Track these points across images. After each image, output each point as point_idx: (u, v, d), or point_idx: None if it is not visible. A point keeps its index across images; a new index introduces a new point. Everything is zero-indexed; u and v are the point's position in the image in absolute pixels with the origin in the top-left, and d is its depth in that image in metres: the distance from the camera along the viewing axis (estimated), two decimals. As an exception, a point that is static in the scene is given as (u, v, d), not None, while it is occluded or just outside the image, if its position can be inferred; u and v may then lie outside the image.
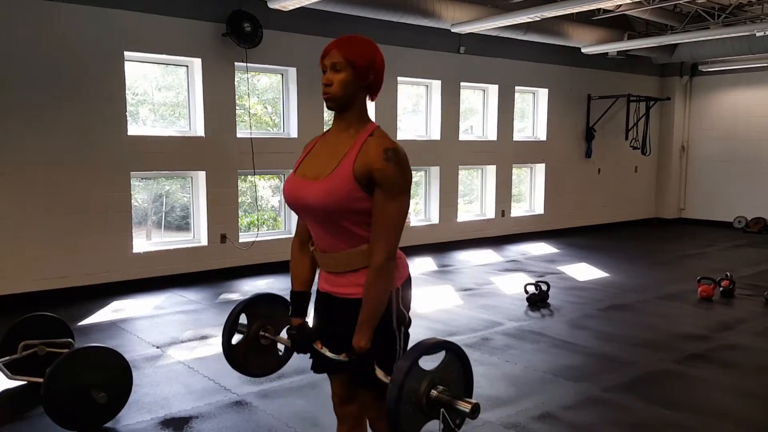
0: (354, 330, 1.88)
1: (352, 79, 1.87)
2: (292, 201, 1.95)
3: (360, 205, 1.84)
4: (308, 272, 2.09)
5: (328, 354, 1.96)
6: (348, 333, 1.91)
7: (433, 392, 1.69)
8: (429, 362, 1.71)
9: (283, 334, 2.20)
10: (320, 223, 1.92)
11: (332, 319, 2.01)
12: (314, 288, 2.12)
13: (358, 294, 1.91)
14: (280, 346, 2.28)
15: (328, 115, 7.83)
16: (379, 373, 1.83)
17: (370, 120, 1.95)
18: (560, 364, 4.21)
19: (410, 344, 1.85)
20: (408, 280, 2.01)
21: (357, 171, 1.82)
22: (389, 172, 1.81)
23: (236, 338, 2.21)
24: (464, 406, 1.67)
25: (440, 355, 1.76)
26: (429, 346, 1.73)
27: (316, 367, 2.09)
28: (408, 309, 2.00)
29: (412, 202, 9.18)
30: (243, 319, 2.23)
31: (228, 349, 2.19)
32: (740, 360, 4.35)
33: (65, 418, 3.10)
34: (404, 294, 1.98)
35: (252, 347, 2.22)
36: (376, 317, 1.87)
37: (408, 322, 2.00)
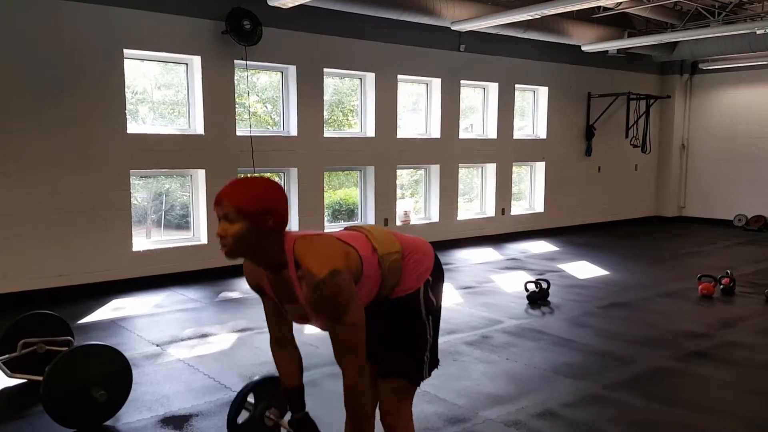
0: (396, 325, 2.02)
1: (247, 230, 1.75)
2: (301, 324, 2.05)
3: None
4: (295, 367, 2.15)
5: None
6: (391, 326, 2.04)
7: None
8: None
9: (286, 421, 2.26)
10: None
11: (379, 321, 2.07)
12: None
13: (401, 292, 2.02)
14: (283, 430, 2.33)
15: (328, 114, 7.82)
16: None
17: (283, 247, 1.83)
18: (561, 361, 4.21)
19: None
20: (437, 269, 2.10)
21: (311, 309, 1.86)
22: (322, 309, 1.81)
23: (242, 418, 2.25)
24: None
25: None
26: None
27: None
28: (439, 297, 2.10)
29: (411, 200, 9.18)
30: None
31: (233, 428, 2.22)
32: (741, 357, 4.35)
33: (65, 416, 3.09)
34: (434, 284, 2.08)
35: (256, 427, 2.26)
36: (365, 426, 2.01)
37: (437, 309, 2.10)
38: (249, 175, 1.90)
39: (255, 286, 2.03)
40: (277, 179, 7.64)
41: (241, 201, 1.74)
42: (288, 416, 2.21)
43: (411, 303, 2.04)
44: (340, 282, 1.77)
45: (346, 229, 2.16)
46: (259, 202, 1.75)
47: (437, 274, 2.11)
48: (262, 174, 7.43)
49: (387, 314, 2.02)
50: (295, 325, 2.14)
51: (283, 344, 2.12)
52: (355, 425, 1.95)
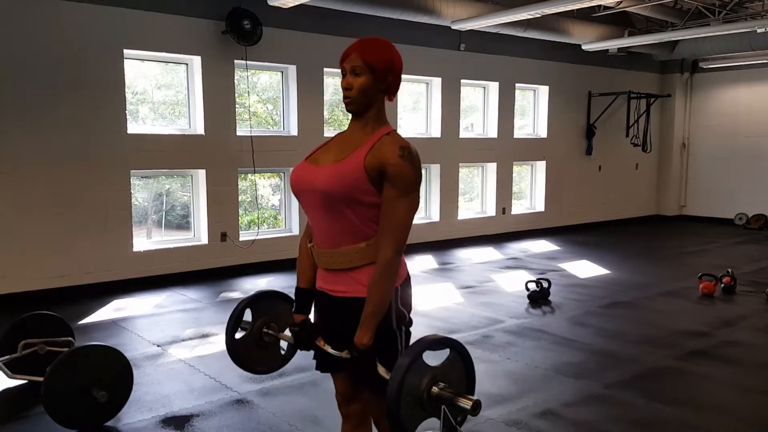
0: (351, 328, 1.87)
1: (371, 83, 1.88)
2: (298, 185, 1.95)
3: (365, 197, 1.84)
4: (314, 271, 2.07)
5: (330, 351, 1.95)
6: (345, 331, 1.90)
7: (435, 389, 1.68)
8: (432, 359, 1.70)
9: (287, 332, 2.19)
10: (322, 212, 1.90)
11: (329, 317, 2.01)
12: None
13: (354, 292, 1.91)
14: (283, 344, 2.27)
15: (328, 114, 7.82)
16: (381, 370, 1.83)
17: (387, 122, 1.96)
18: (561, 361, 4.21)
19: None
20: (407, 280, 2.00)
21: (368, 163, 1.83)
22: (403, 168, 1.82)
23: (239, 335, 2.21)
24: (465, 403, 1.66)
25: (443, 353, 1.75)
26: (431, 343, 1.72)
27: (321, 366, 2.08)
28: (408, 308, 1.99)
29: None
30: (247, 316, 2.22)
31: (231, 345, 2.18)
32: (741, 356, 4.35)
33: (66, 416, 3.09)
34: (403, 293, 1.97)
35: (255, 344, 2.21)
36: (380, 313, 1.86)
37: (408, 322, 1.99)
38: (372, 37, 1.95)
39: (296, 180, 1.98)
40: (277, 180, 7.64)
41: (370, 56, 1.87)
42: (287, 330, 2.17)
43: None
44: (420, 164, 1.89)
45: None
46: (386, 59, 1.89)
47: (405, 284, 2.00)
48: (262, 173, 7.43)
49: (354, 321, 1.88)
50: None
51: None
52: (375, 298, 1.83)
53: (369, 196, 1.84)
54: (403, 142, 1.87)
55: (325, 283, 1.99)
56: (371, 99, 1.90)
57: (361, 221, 1.88)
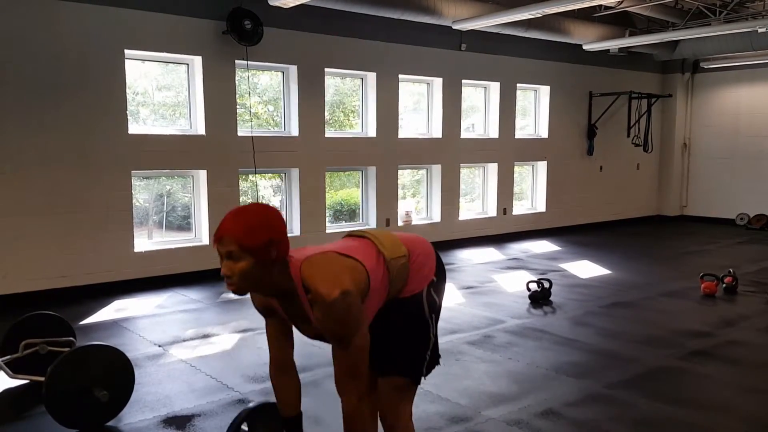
0: (399, 324, 2.02)
1: (253, 265, 1.72)
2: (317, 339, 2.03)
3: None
4: (294, 395, 2.11)
5: None
6: (394, 325, 2.04)
7: None
8: None
9: None
10: None
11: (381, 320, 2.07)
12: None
13: (405, 294, 2.04)
14: None
15: (329, 114, 7.82)
16: None
17: (290, 274, 1.81)
18: (563, 361, 4.20)
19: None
20: (439, 270, 2.12)
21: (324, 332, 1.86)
22: (329, 327, 1.79)
23: None
24: None
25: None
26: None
27: None
28: (441, 296, 2.13)
29: (412, 201, 9.16)
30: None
31: None
32: (743, 356, 4.34)
33: (67, 416, 3.09)
34: (437, 285, 2.10)
35: None
36: None
37: (439, 308, 2.13)
38: (244, 204, 1.82)
39: (263, 309, 2.00)
40: (278, 181, 7.64)
41: (243, 237, 1.70)
42: None
43: (414, 303, 2.05)
44: (350, 302, 1.76)
45: (348, 235, 2.14)
46: (262, 234, 1.71)
47: (440, 274, 2.13)
48: (263, 173, 7.43)
49: (390, 314, 2.02)
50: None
51: (284, 370, 2.07)
52: None
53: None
54: (320, 298, 1.74)
55: None
56: (261, 279, 1.76)
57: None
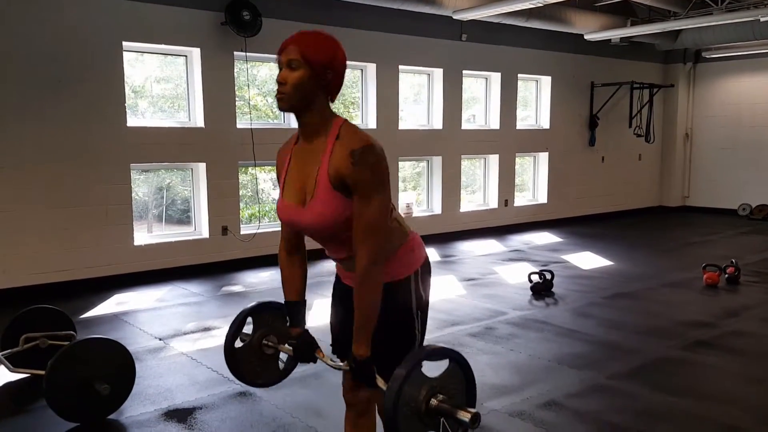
0: (383, 314, 1.85)
1: (307, 79, 1.75)
2: (289, 224, 1.95)
3: (351, 211, 1.80)
4: (300, 281, 2.05)
5: (330, 364, 1.95)
6: (379, 318, 1.90)
7: (433, 401, 1.64)
8: (431, 369, 1.67)
9: (287, 345, 2.15)
10: (325, 239, 1.92)
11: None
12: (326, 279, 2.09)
13: (390, 277, 1.91)
14: (283, 356, 2.21)
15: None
16: (379, 382, 1.80)
17: (334, 117, 1.83)
18: (565, 352, 4.19)
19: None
20: (426, 262, 2.01)
21: (334, 181, 1.77)
22: (358, 175, 1.73)
23: (238, 345, 2.14)
24: (464, 416, 1.62)
25: (443, 363, 1.72)
26: (429, 353, 1.69)
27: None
28: (427, 292, 2.00)
29: (413, 193, 9.12)
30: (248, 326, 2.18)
31: (230, 355, 2.11)
32: (746, 346, 4.32)
33: (68, 410, 3.08)
34: (423, 276, 1.98)
35: (255, 356, 2.14)
36: (371, 324, 1.82)
37: (425, 305, 2.00)
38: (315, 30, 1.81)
39: (279, 171, 2.01)
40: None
41: (309, 49, 1.74)
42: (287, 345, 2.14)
43: (402, 293, 1.95)
44: (381, 155, 1.76)
45: None
46: (326, 54, 1.76)
47: (426, 269, 2.04)
48: (262, 166, 7.40)
49: (385, 300, 1.91)
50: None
51: (293, 252, 2.03)
52: (361, 311, 1.81)
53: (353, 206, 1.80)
54: (354, 142, 1.75)
55: (352, 281, 1.96)
56: (307, 97, 1.77)
57: None
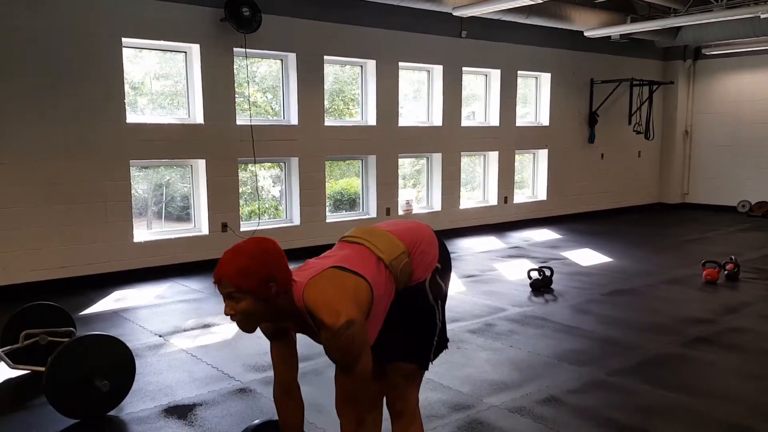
0: (405, 312, 2.02)
1: (254, 304, 1.74)
2: None
3: None
4: (300, 417, 2.09)
5: None
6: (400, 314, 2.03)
7: None
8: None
9: None
10: None
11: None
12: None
13: (409, 284, 2.04)
14: None
15: (328, 103, 7.77)
16: None
17: (292, 296, 1.81)
18: (564, 348, 4.19)
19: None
20: (444, 256, 2.11)
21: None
22: (334, 356, 1.82)
23: None
24: None
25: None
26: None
27: None
28: (447, 283, 2.13)
29: (413, 190, 9.12)
30: None
31: None
32: (745, 343, 4.33)
33: (68, 406, 3.08)
34: (442, 271, 2.09)
35: None
36: None
37: (445, 294, 2.13)
38: (240, 241, 1.80)
39: (269, 333, 1.99)
40: (278, 171, 7.61)
41: (239, 279, 1.70)
42: None
43: (419, 291, 2.04)
44: (354, 332, 1.76)
45: (342, 240, 2.09)
46: (258, 273, 1.71)
47: (444, 260, 2.12)
48: (262, 162, 7.39)
49: (395, 304, 2.01)
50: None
51: (289, 393, 2.06)
52: None
53: None
54: (329, 325, 1.74)
55: None
56: (264, 313, 1.77)
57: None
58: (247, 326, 1.79)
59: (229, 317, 1.77)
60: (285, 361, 2.02)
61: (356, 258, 1.93)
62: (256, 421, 2.20)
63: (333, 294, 1.79)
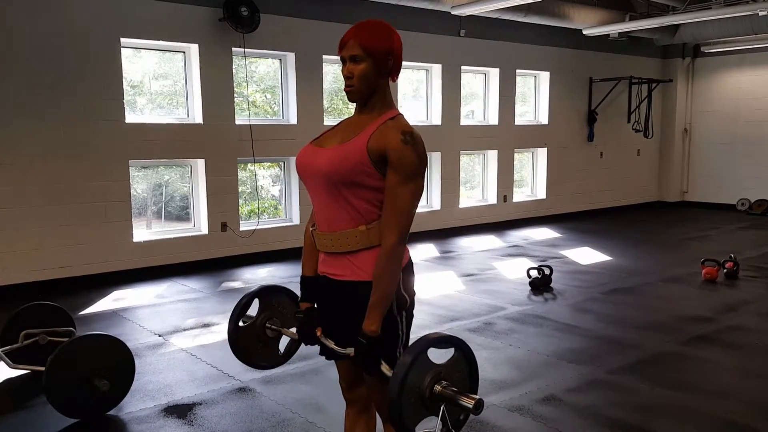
0: (351, 314, 1.87)
1: (372, 69, 1.85)
2: (303, 167, 1.95)
3: (366, 179, 1.82)
4: (318, 256, 2.04)
5: (333, 347, 1.94)
6: (345, 317, 1.90)
7: (437, 387, 1.66)
8: (436, 356, 1.69)
9: (291, 329, 2.17)
10: (324, 195, 1.89)
11: (329, 302, 2.00)
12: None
13: (353, 276, 1.89)
14: (283, 342, 2.24)
15: (327, 102, 7.76)
16: (384, 367, 1.81)
17: (393, 106, 1.93)
18: (564, 347, 4.20)
19: (416, 334, 1.81)
20: (409, 265, 1.97)
21: (371, 147, 1.81)
22: (405, 154, 1.79)
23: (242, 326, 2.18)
24: (467, 402, 1.64)
25: (448, 351, 1.74)
26: (435, 340, 1.70)
27: (326, 354, 2.05)
28: (411, 294, 1.97)
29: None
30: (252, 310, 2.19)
31: (234, 337, 2.14)
32: (745, 341, 4.33)
33: (68, 406, 3.09)
34: (405, 278, 1.94)
35: (258, 338, 2.18)
36: (387, 301, 1.84)
37: (410, 306, 1.97)
38: (368, 19, 1.91)
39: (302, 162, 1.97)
40: (277, 170, 7.61)
41: (368, 41, 1.83)
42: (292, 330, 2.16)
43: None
44: (424, 150, 1.85)
45: None
46: (385, 43, 1.86)
47: (408, 270, 1.98)
48: (261, 162, 7.39)
49: (357, 304, 1.87)
50: None
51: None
52: (380, 286, 1.81)
53: (370, 179, 1.82)
54: (407, 127, 1.83)
55: (326, 267, 1.98)
56: (373, 85, 1.87)
57: (361, 205, 1.85)
58: (358, 89, 1.86)
59: (345, 89, 1.87)
60: None
61: None
62: (255, 287, 2.21)
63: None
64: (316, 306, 2.05)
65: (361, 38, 1.83)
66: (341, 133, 1.93)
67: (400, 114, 1.91)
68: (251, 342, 2.18)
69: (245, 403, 3.37)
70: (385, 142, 1.80)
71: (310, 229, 2.03)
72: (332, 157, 1.84)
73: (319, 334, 1.97)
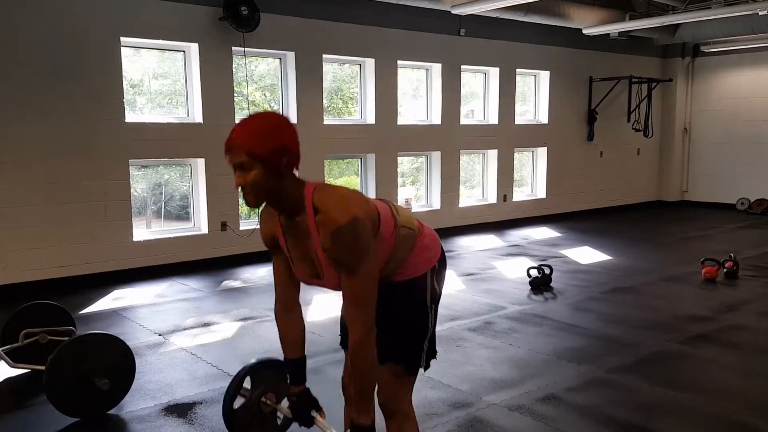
0: (409, 307, 1.99)
1: (264, 175, 1.69)
2: (306, 283, 1.99)
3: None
4: (299, 337, 2.06)
5: (327, 428, 2.00)
6: (399, 310, 2.01)
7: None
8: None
9: (285, 403, 2.16)
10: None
11: (388, 303, 2.02)
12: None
13: (409, 276, 2.00)
14: (280, 415, 2.22)
15: (327, 102, 7.77)
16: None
17: (303, 188, 1.78)
18: (564, 346, 4.20)
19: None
20: (442, 257, 2.08)
21: (329, 260, 1.79)
22: (339, 254, 1.73)
23: (237, 402, 2.15)
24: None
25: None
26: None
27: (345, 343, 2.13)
28: (441, 285, 2.08)
29: (412, 188, 9.11)
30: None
31: (229, 413, 2.11)
32: (745, 340, 4.34)
33: (68, 405, 3.09)
34: (439, 271, 2.06)
35: (253, 413, 2.15)
36: (371, 391, 1.87)
37: (438, 299, 2.08)
38: (254, 113, 1.76)
39: (269, 240, 1.95)
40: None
41: (253, 145, 1.66)
42: (286, 402, 2.15)
43: (418, 288, 2.02)
44: (360, 229, 1.71)
45: None
46: (272, 143, 1.67)
47: (442, 263, 2.10)
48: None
49: (391, 297, 1.97)
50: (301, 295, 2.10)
51: (289, 310, 2.03)
52: (359, 382, 1.86)
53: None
54: (330, 224, 1.71)
55: None
56: (273, 188, 1.72)
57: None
58: (255, 199, 1.73)
59: (243, 197, 1.78)
60: (285, 277, 1.99)
61: (375, 200, 1.99)
62: (252, 361, 2.20)
63: (343, 197, 1.78)
64: (307, 388, 2.07)
65: (246, 143, 1.66)
66: (304, 254, 1.87)
67: (315, 192, 1.76)
68: (246, 417, 2.15)
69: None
70: (327, 249, 1.76)
71: (278, 307, 2.04)
72: (333, 284, 1.87)
73: (321, 416, 2.01)
